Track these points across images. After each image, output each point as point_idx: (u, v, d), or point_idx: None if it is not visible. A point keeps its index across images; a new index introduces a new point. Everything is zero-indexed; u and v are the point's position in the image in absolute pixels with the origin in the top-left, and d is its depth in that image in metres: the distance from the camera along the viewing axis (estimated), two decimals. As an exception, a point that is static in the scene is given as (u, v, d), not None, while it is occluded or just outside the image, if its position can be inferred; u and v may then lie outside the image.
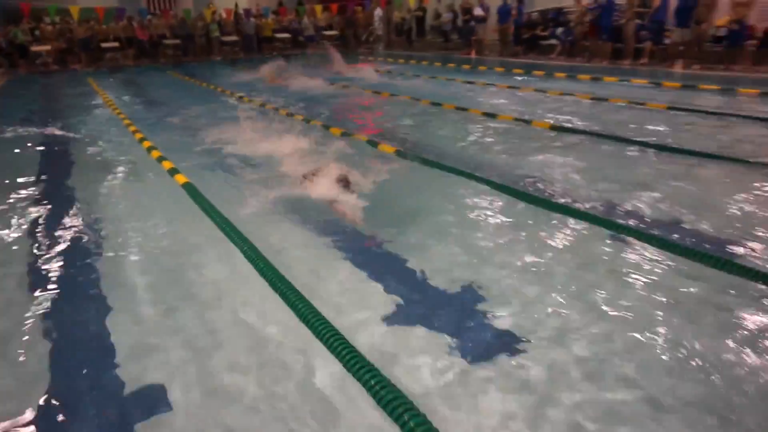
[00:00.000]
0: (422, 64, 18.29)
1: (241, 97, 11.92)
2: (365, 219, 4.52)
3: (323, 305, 3.11)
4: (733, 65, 13.60)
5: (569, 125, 8.00)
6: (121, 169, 6.55)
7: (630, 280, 3.46)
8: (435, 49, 22.82)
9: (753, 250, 3.83)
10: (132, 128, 8.82)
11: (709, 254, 3.65)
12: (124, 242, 4.35)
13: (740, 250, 3.84)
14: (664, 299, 3.21)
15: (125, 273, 3.84)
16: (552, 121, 8.20)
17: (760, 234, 4.10)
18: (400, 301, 3.31)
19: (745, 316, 3.01)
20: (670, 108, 8.94)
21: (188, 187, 5.38)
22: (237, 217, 4.53)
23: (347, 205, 4.69)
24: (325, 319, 2.91)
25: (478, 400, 2.47)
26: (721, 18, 14.00)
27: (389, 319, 3.12)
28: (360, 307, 3.26)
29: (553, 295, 3.32)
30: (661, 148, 6.52)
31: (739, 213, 4.53)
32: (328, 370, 2.64)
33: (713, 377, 2.55)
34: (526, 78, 13.91)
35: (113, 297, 3.51)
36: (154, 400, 2.54)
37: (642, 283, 3.41)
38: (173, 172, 5.97)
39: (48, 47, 20.23)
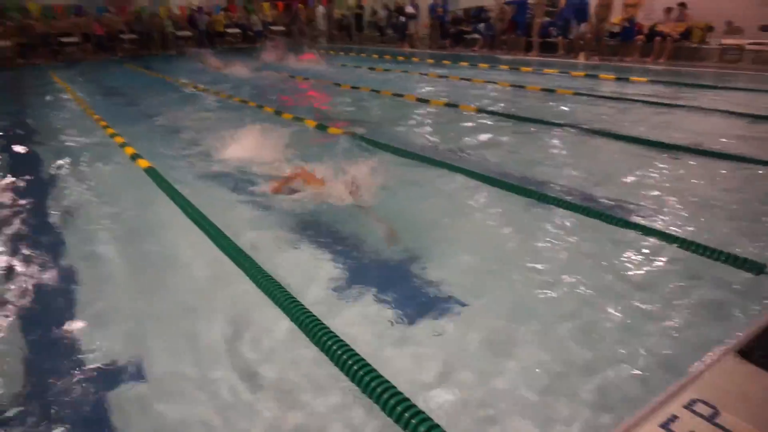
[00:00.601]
0: (362, 56, 18.08)
1: (196, 87, 11.48)
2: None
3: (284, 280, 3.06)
4: (626, 57, 14.13)
5: (492, 109, 8.13)
6: (85, 154, 6.21)
7: (541, 234, 3.59)
8: (373, 43, 22.62)
9: (639, 209, 4.04)
10: (95, 117, 8.35)
11: (606, 213, 3.82)
12: (88, 225, 4.15)
13: (630, 210, 4.05)
14: (569, 252, 3.35)
15: (90, 253, 3.67)
16: (477, 105, 8.30)
17: (647, 198, 4.33)
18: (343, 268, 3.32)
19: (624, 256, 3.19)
20: (576, 93, 9.22)
21: (151, 172, 5.15)
22: (198, 199, 4.38)
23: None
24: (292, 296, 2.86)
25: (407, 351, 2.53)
26: (616, 16, 14.53)
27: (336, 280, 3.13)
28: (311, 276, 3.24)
29: (481, 251, 3.40)
30: (569, 127, 6.73)
31: (628, 181, 4.75)
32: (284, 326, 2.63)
33: (600, 304, 2.69)
34: (453, 68, 14.00)
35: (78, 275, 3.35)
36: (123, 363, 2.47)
37: (551, 237, 3.54)
38: (136, 157, 5.70)
39: (8, 42, 18.79)
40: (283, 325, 2.62)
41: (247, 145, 5.84)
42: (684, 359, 2.25)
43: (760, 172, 4.84)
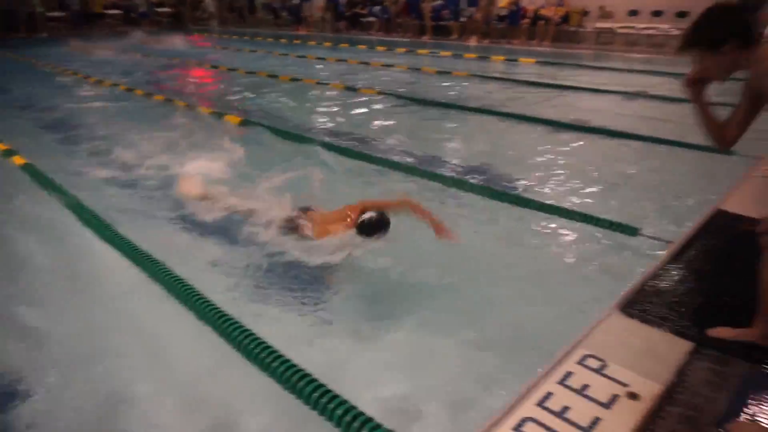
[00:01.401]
0: (256, 40, 17.48)
1: (75, 74, 10.53)
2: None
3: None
4: (514, 39, 14.85)
5: (391, 91, 8.22)
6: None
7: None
8: (267, 26, 21.93)
9: (528, 183, 4.31)
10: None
11: (496, 190, 4.04)
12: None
13: (520, 185, 4.30)
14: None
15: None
16: (377, 88, 8.36)
17: (537, 173, 4.61)
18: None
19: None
20: (470, 75, 9.56)
21: (28, 168, 4.68)
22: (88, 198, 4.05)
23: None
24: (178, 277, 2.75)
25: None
26: (503, 1, 15.22)
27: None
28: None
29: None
30: (464, 107, 6.98)
31: (518, 157, 5.04)
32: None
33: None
34: (352, 52, 13.95)
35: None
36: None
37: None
38: (10, 153, 5.14)
39: None
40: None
41: (134, 140, 5.47)
42: (573, 317, 2.43)
43: (635, 145, 5.31)
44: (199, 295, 2.58)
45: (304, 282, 2.88)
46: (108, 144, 5.50)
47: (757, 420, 1.72)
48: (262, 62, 12.20)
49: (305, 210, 3.19)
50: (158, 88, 9.07)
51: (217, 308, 2.47)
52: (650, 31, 13.28)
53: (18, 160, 4.92)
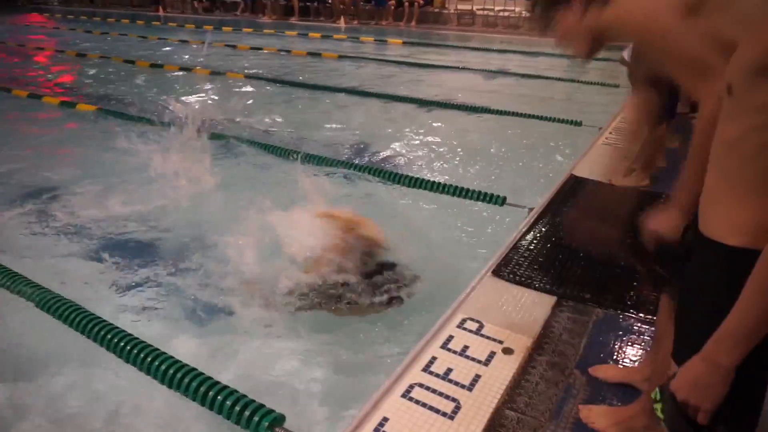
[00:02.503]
0: (108, 21, 15.98)
1: None
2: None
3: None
4: (381, 20, 15.08)
5: (260, 75, 7.97)
6: None
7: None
8: (119, 6, 20.12)
9: (400, 161, 4.45)
10: None
11: (372, 167, 4.10)
12: None
13: (393, 162, 4.42)
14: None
15: None
16: (245, 72, 8.06)
17: (409, 150, 4.77)
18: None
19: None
20: (340, 57, 9.55)
21: None
22: None
23: None
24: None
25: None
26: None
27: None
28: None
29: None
30: (336, 89, 6.97)
31: (392, 136, 5.16)
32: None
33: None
34: (216, 34, 13.27)
35: None
36: None
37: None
38: None
39: None
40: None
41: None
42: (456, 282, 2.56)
43: (497, 120, 5.67)
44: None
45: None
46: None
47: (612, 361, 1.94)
48: (117, 46, 11.18)
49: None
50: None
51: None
52: (506, 13, 14.17)
53: None
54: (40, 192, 3.77)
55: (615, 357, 1.95)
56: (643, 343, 2.03)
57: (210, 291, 2.65)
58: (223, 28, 13.97)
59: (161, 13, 18.14)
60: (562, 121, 5.36)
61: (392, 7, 14.94)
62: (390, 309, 2.49)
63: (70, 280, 2.70)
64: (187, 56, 9.95)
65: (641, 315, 2.18)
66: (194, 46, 11.14)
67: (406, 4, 14.68)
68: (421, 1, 14.65)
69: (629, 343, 2.03)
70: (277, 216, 2.89)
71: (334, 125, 5.55)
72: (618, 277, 2.45)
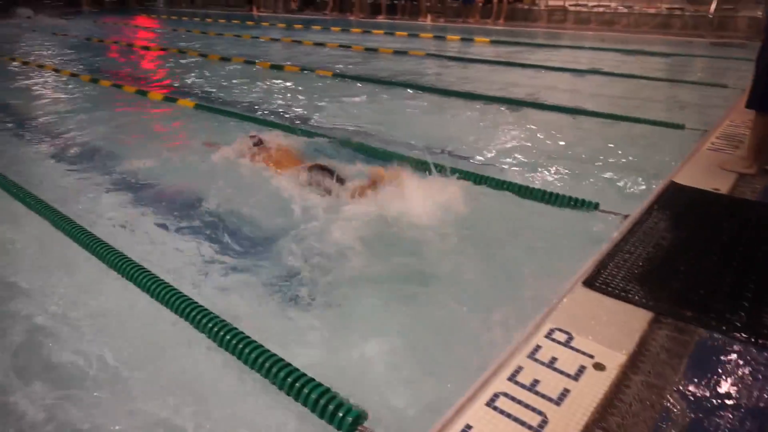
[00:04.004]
0: (207, 21, 16.95)
1: (25, 62, 9.93)
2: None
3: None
4: (468, 18, 14.89)
5: (348, 73, 8.12)
6: None
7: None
8: (218, 6, 21.29)
9: (488, 162, 4.35)
10: None
11: (458, 169, 4.05)
12: None
13: (481, 163, 4.33)
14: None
15: None
16: (333, 70, 8.24)
17: (499, 151, 4.67)
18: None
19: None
20: (427, 55, 9.54)
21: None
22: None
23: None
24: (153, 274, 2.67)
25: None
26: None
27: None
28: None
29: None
30: (423, 88, 6.96)
31: (482, 137, 5.08)
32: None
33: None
34: (306, 32, 13.70)
35: None
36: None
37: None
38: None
39: None
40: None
41: (85, 126, 5.25)
42: (543, 290, 2.48)
43: (590, 121, 5.43)
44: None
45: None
46: (59, 133, 5.26)
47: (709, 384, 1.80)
48: (214, 45, 11.85)
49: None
50: (105, 73, 8.68)
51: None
52: (600, 9, 13.54)
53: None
54: (138, 180, 4.06)
55: (720, 383, 1.81)
56: (752, 370, 1.86)
57: (298, 281, 2.73)
58: (313, 27, 14.39)
59: (255, 12, 18.98)
60: (662, 123, 5.04)
61: (480, 5, 14.71)
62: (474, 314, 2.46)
63: (178, 271, 2.87)
64: (278, 53, 10.35)
65: (751, 339, 2.01)
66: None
67: (495, 0, 14.39)
68: (511, -2, 14.32)
69: (736, 369, 1.87)
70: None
71: (418, 124, 5.55)
72: (724, 295, 2.27)
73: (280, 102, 6.60)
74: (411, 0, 15.80)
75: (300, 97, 6.87)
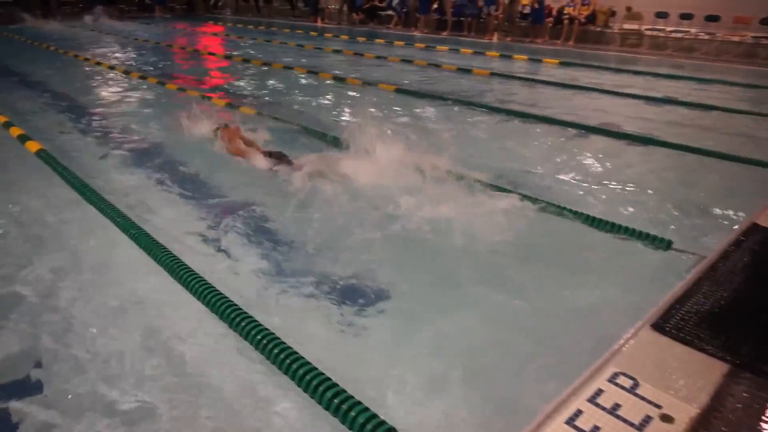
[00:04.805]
0: (272, 30, 17.54)
1: (98, 63, 10.59)
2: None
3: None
4: (537, 38, 14.76)
5: (410, 89, 8.19)
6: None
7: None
8: (282, 16, 22.02)
9: (554, 190, 4.26)
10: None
11: (522, 193, 3.98)
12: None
13: (547, 190, 4.24)
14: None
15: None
16: (396, 84, 8.33)
17: (564, 179, 4.56)
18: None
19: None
20: (492, 74, 9.51)
21: (43, 155, 4.69)
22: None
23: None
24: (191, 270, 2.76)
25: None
26: (526, -2, 15.19)
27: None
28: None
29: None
30: (487, 107, 6.92)
31: (545, 162, 4.99)
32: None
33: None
34: (369, 45, 13.95)
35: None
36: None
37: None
38: (24, 138, 5.16)
39: None
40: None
41: (150, 126, 5.51)
42: (606, 331, 2.40)
43: (663, 152, 5.25)
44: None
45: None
46: (123, 130, 5.54)
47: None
48: (277, 54, 12.23)
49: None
50: (171, 77, 9.12)
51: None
52: (678, 35, 13.15)
53: (32, 145, 4.94)
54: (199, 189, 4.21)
55: (804, 450, 1.68)
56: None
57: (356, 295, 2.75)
58: (376, 40, 14.63)
59: (319, 23, 19.49)
60: (743, 160, 4.81)
61: (549, 25, 14.57)
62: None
63: (231, 281, 2.96)
64: (340, 65, 10.57)
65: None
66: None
67: (566, 21, 14.22)
68: (583, 19, 14.09)
69: (825, 436, 1.74)
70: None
71: (479, 145, 5.52)
72: (812, 353, 2.12)
73: (339, 115, 6.72)
74: (478, 17, 15.82)
75: (362, 111, 6.96)
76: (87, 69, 9.84)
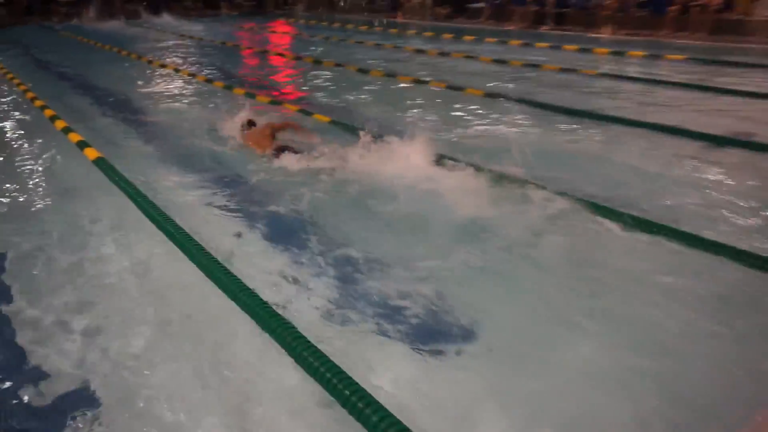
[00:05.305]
0: (347, 27, 17.90)
1: (163, 65, 11.18)
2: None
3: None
4: (658, 31, 14.10)
5: (502, 93, 7.98)
6: (15, 141, 6.01)
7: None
8: (359, 11, 22.45)
9: (679, 214, 3.93)
10: (29, 95, 8.11)
11: (643, 219, 3.70)
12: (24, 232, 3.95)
13: (669, 214, 3.92)
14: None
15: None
16: (485, 89, 8.16)
17: (692, 201, 4.22)
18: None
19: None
20: (600, 75, 9.13)
21: (101, 163, 4.91)
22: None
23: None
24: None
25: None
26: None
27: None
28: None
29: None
30: (594, 116, 6.60)
31: (664, 178, 4.65)
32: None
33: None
34: (456, 43, 13.88)
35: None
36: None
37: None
38: (82, 145, 5.45)
39: None
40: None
41: (215, 137, 5.70)
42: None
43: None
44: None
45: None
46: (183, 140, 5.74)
47: None
48: (352, 54, 12.43)
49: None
50: (238, 80, 9.45)
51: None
52: (843, 23, 12.11)
53: (91, 152, 5.20)
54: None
55: None
56: None
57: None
58: (464, 37, 14.53)
59: (399, 19, 19.70)
60: None
61: (674, 14, 13.88)
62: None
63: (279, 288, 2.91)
64: (421, 66, 10.55)
65: None
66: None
67: (695, 9, 13.49)
68: (717, 5, 13.31)
69: None
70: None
71: (586, 159, 5.23)
72: None
73: (420, 124, 6.61)
74: (585, 8, 15.36)
75: (445, 118, 6.86)
76: (149, 71, 10.42)
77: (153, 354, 2.61)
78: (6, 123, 6.93)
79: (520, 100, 7.46)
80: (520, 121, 6.59)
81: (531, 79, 9.17)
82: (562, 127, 6.36)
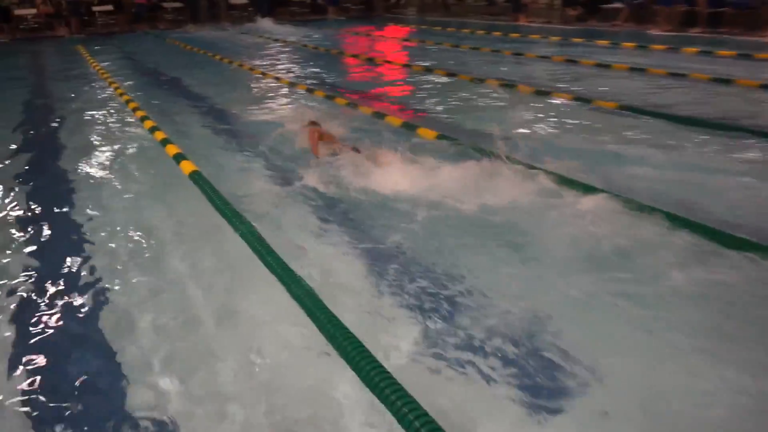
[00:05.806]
0: (462, 32, 18.14)
1: (264, 73, 11.91)
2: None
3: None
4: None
5: (641, 106, 7.79)
6: (116, 153, 6.63)
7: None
8: (477, 14, 22.65)
9: None
10: (131, 105, 8.91)
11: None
12: (117, 240, 4.38)
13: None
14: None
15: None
16: (620, 101, 8.01)
17: None
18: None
19: None
20: (762, 86, 8.69)
21: (196, 177, 5.34)
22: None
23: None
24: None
25: None
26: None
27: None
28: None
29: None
30: (748, 132, 6.31)
31: None
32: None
33: None
34: (586, 48, 13.70)
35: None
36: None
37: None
38: (179, 158, 5.94)
39: (34, 11, 20.67)
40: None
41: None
42: None
43: None
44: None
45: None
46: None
47: None
48: (467, 61, 12.60)
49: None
50: (341, 89, 9.86)
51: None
52: None
53: (187, 166, 5.66)
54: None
55: None
56: None
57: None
58: (597, 42, 14.32)
59: (522, 22, 19.68)
60: None
61: None
62: None
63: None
64: (546, 76, 10.52)
65: None
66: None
67: None
68: None
69: None
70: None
71: (737, 189, 4.99)
72: None
73: (544, 141, 6.58)
74: (746, 7, 14.68)
75: (568, 134, 6.82)
76: (250, 80, 11.10)
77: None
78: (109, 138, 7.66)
79: (662, 115, 7.24)
80: (656, 137, 6.42)
81: (672, 91, 8.88)
82: (714, 146, 6.11)
